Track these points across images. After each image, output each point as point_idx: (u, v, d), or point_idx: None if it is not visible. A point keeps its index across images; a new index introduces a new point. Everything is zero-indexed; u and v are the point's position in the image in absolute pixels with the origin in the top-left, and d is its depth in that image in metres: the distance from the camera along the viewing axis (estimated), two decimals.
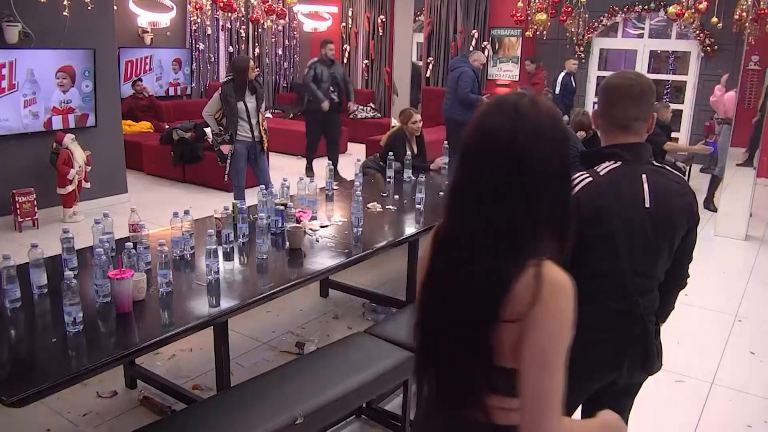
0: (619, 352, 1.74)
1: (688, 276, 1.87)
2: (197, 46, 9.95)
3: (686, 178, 6.43)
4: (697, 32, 8.49)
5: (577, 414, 1.92)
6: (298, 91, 10.99)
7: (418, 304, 1.28)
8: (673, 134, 7.85)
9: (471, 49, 9.73)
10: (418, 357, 1.30)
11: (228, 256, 2.90)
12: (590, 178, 1.70)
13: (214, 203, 4.14)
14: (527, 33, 9.08)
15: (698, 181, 7.52)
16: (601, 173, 1.71)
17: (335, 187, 4.19)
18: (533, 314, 1.09)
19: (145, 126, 8.46)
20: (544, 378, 1.11)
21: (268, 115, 9.82)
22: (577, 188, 1.68)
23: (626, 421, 1.97)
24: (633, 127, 1.73)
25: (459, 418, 1.23)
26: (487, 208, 1.13)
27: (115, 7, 6.30)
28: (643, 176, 1.71)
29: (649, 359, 1.78)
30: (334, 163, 6.77)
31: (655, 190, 1.70)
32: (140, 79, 8.85)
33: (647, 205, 1.69)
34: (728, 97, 6.81)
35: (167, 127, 7.86)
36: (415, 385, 1.34)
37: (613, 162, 1.73)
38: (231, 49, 10.35)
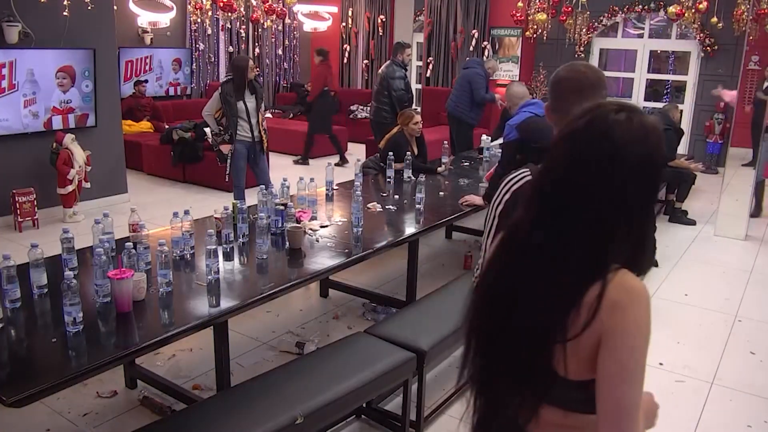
0: None
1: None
2: (197, 46, 9.96)
3: (692, 180, 6.40)
4: (697, 32, 8.49)
5: None
6: (298, 91, 11.01)
7: (480, 302, 1.20)
8: None
9: (471, 49, 9.77)
10: (479, 362, 1.20)
11: (228, 256, 2.91)
12: (530, 177, 1.61)
13: (214, 203, 4.15)
14: (527, 33, 9.08)
15: (699, 182, 7.50)
16: None
17: (335, 188, 4.20)
18: (610, 323, 1.05)
19: (145, 126, 8.47)
20: (624, 392, 1.05)
21: (268, 115, 9.82)
22: (515, 186, 1.61)
23: None
24: None
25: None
26: (577, 213, 1.07)
27: (115, 7, 6.30)
28: None
29: None
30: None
31: None
32: (144, 81, 8.84)
33: None
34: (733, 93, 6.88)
35: (167, 127, 7.87)
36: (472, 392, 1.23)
37: None
38: (231, 49, 10.36)
